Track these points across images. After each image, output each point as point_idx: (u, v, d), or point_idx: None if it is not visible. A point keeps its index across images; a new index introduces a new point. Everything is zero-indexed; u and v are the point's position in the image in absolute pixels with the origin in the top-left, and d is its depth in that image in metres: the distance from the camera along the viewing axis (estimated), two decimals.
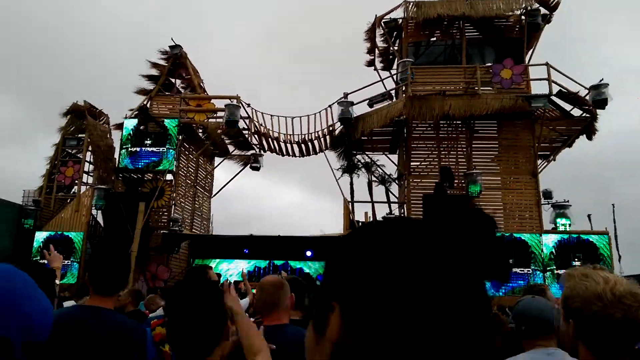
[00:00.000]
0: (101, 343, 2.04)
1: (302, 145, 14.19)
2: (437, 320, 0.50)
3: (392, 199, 14.37)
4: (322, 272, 0.62)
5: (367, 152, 14.62)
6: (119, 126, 14.44)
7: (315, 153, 14.27)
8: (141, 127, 14.02)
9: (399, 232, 0.56)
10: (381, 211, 13.81)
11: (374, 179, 13.21)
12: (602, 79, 11.81)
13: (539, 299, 2.41)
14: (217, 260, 12.35)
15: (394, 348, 0.50)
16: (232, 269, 12.25)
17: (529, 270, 11.16)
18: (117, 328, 2.12)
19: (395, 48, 14.62)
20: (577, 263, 10.95)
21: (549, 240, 11.20)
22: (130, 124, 14.01)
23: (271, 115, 14.19)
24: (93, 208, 13.07)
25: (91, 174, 14.36)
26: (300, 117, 13.95)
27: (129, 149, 13.67)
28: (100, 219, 13.25)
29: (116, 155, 13.94)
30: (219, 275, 12.36)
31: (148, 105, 14.87)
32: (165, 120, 14.00)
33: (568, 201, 11.79)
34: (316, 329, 0.58)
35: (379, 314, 0.51)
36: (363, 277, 0.53)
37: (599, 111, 12.08)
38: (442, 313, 0.51)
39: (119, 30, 49.58)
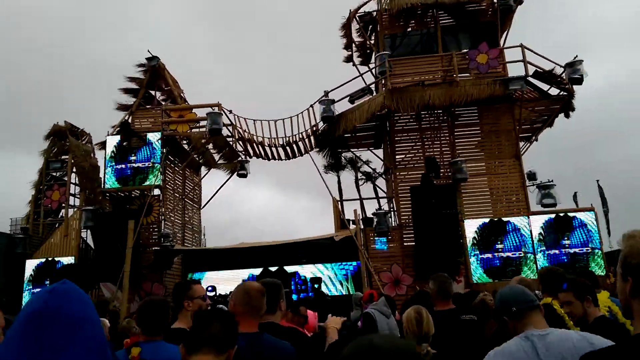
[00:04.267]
0: None
1: (287, 147, 14.15)
2: None
3: (380, 194, 14.44)
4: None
5: (352, 149, 14.64)
6: (102, 145, 14.29)
7: (301, 154, 14.23)
8: (124, 143, 13.90)
9: None
10: (370, 207, 13.87)
11: (360, 175, 13.22)
12: (577, 56, 11.88)
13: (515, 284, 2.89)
14: (211, 272, 12.34)
15: None
16: (224, 279, 12.28)
17: (520, 254, 11.25)
18: None
19: (372, 42, 14.59)
20: (567, 242, 11.07)
21: (537, 222, 11.28)
22: (113, 141, 13.86)
23: (254, 120, 14.14)
24: (82, 230, 12.98)
25: (78, 196, 14.22)
26: (283, 119, 13.88)
27: (114, 167, 13.57)
28: (90, 241, 13.15)
29: (101, 175, 13.81)
30: (213, 287, 12.37)
31: (130, 120, 14.76)
32: (148, 134, 13.89)
33: (552, 180, 11.87)
34: None
35: None
36: None
37: (575, 87, 12.17)
38: None
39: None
